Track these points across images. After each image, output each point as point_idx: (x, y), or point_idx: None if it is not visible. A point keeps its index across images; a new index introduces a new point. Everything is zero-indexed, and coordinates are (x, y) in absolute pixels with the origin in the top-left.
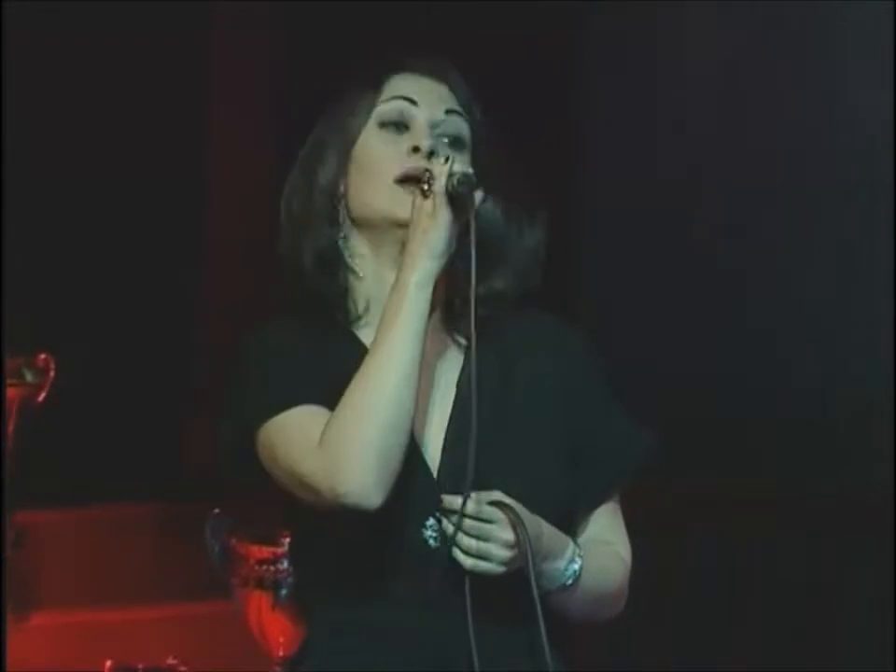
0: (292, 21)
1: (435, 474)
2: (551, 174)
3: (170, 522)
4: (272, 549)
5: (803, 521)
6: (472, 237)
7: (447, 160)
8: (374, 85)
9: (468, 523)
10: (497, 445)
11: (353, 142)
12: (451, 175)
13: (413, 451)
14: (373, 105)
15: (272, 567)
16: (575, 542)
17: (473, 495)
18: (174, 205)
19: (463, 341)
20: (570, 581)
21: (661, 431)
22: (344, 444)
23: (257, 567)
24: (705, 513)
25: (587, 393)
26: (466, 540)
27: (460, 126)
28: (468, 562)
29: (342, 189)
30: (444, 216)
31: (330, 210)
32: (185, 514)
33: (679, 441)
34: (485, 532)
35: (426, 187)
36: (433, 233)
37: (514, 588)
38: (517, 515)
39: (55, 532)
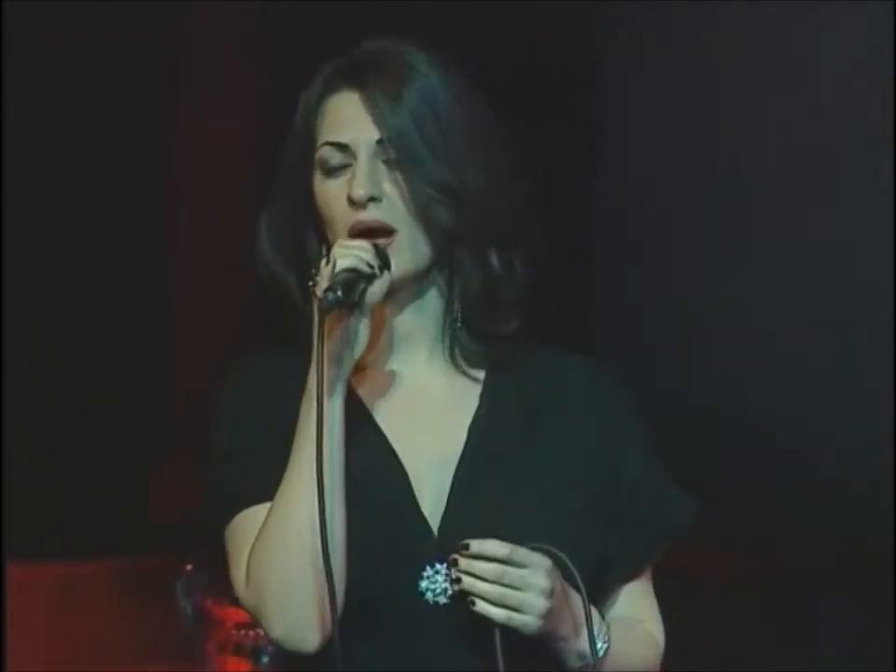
0: (280, 16)
1: (436, 529)
2: (564, 178)
3: (135, 579)
4: None
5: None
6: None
7: (328, 261)
8: (310, 122)
9: (498, 568)
10: (513, 502)
11: (311, 188)
12: (335, 273)
13: (410, 500)
14: (314, 150)
15: (251, 632)
16: (601, 616)
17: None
18: (140, 240)
19: (479, 375)
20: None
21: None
22: (265, 589)
23: (234, 632)
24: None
25: (622, 447)
26: (498, 589)
27: (403, 145)
28: (500, 614)
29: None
30: (331, 322)
31: (312, 245)
32: (153, 571)
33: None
34: (520, 579)
35: (311, 283)
36: (327, 339)
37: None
38: (560, 558)
39: (9, 591)
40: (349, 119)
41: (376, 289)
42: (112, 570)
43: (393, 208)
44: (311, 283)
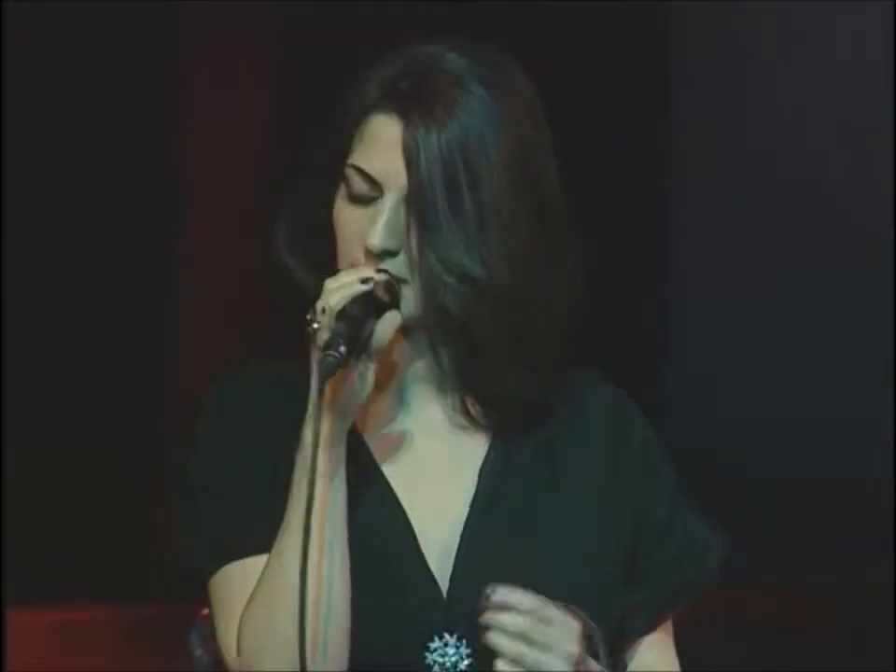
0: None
1: (445, 587)
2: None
3: (143, 627)
4: None
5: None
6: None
7: (323, 310)
8: (346, 130)
9: (523, 623)
10: (528, 557)
11: (332, 203)
12: (332, 320)
13: (415, 557)
14: (343, 162)
15: None
16: None
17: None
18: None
19: (489, 422)
20: None
21: None
22: (260, 664)
23: None
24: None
25: (647, 488)
26: (519, 647)
27: (424, 203)
28: None
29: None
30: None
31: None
32: (163, 617)
33: None
34: (547, 638)
35: (308, 325)
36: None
37: None
38: (588, 622)
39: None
40: (385, 150)
41: (385, 330)
42: (116, 618)
43: (409, 263)
44: (309, 324)
